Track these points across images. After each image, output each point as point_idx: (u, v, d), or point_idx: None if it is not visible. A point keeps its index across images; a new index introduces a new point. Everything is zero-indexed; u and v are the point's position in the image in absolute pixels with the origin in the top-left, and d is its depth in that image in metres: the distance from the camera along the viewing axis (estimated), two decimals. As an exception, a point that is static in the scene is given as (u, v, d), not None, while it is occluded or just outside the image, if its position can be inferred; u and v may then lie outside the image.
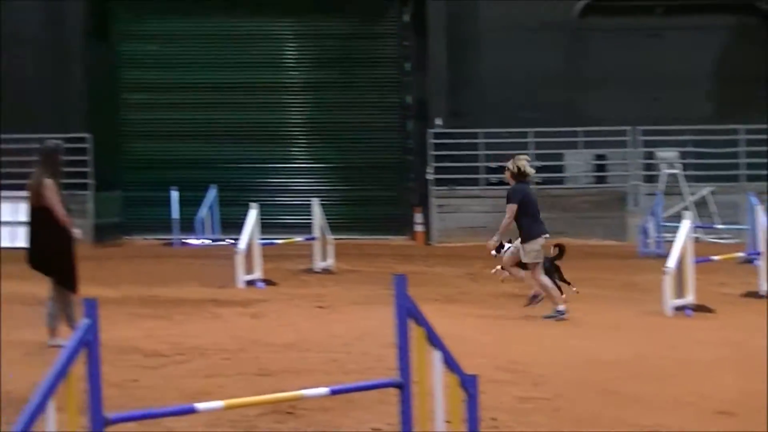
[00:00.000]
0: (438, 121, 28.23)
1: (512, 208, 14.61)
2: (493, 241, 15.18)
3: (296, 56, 29.78)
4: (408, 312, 6.97)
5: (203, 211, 27.02)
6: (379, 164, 29.24)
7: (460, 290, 18.01)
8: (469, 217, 27.37)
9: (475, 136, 27.97)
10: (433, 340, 7.09)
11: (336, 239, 21.28)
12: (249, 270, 18.32)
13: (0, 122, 28.39)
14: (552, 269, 15.34)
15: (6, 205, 27.20)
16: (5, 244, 26.37)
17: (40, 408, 5.89)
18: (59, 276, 12.80)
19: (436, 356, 7.11)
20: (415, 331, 7.05)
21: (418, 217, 27.90)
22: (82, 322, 6.15)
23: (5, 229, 26.93)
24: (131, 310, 15.52)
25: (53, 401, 5.95)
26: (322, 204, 21.37)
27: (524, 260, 14.71)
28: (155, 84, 29.41)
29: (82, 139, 27.50)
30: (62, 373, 5.97)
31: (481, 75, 28.61)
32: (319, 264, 20.37)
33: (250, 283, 18.16)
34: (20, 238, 26.33)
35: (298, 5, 29.37)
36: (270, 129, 29.47)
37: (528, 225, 14.68)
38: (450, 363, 7.13)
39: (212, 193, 27.21)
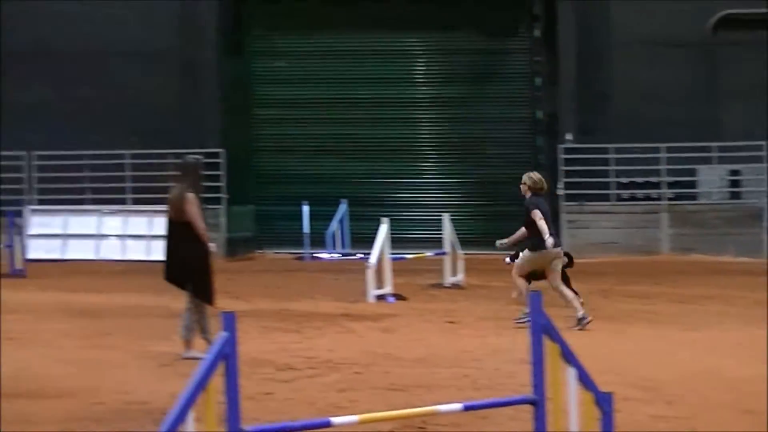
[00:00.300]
0: (568, 137, 28.06)
1: (537, 213, 15.30)
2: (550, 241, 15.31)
3: (426, 71, 29.86)
4: (543, 328, 6.94)
5: (334, 226, 27.22)
6: (509, 179, 29.00)
7: (590, 306, 17.78)
8: (599, 233, 27.14)
9: (605, 151, 27.71)
10: (568, 356, 7.06)
11: (466, 254, 21.24)
12: (379, 284, 18.40)
13: (136, 138, 29.06)
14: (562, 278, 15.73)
15: (140, 219, 27.77)
16: (140, 257, 26.94)
17: (180, 419, 5.99)
18: (197, 289, 12.97)
19: (571, 373, 7.07)
20: (550, 348, 7.01)
21: (548, 233, 27.70)
22: (220, 335, 6.25)
23: (139, 243, 27.48)
24: (263, 323, 15.69)
25: (192, 412, 6.05)
26: (453, 219, 21.36)
27: (525, 268, 15.43)
28: (287, 100, 29.76)
29: (215, 154, 27.95)
30: (201, 385, 6.07)
31: (612, 90, 28.35)
32: (449, 279, 20.36)
33: (381, 297, 18.24)
34: (155, 252, 27.05)
35: (428, 21, 29.45)
36: (400, 144, 29.58)
37: (538, 236, 15.26)
38: (585, 380, 7.08)
39: (343, 208, 27.41)
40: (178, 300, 18.13)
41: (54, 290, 20.50)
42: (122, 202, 28.50)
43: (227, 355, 6.17)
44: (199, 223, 12.83)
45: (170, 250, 13.12)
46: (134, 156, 28.82)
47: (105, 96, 29.23)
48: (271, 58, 30.05)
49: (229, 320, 6.20)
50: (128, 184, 28.76)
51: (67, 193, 28.65)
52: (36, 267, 24.34)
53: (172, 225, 13.01)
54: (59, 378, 11.65)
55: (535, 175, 15.94)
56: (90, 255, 27.54)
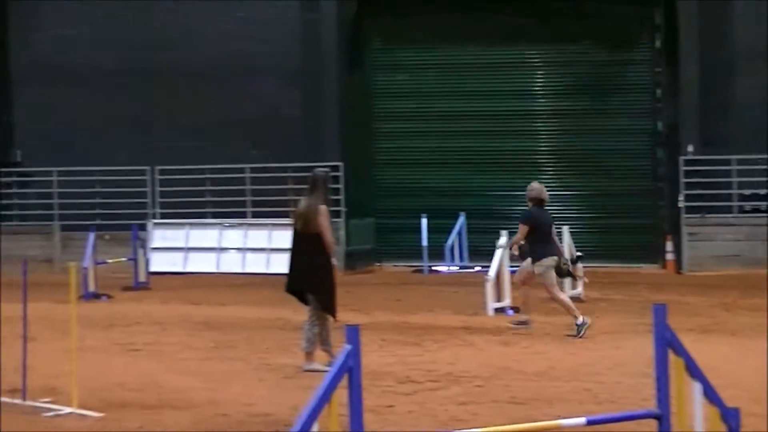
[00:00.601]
0: (690, 148, 27.68)
1: (523, 228, 16.00)
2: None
3: (546, 83, 29.70)
4: (667, 342, 6.85)
5: (452, 239, 27.21)
6: (629, 191, 28.85)
7: (714, 320, 17.57)
8: (721, 245, 26.71)
9: (727, 162, 27.27)
10: (693, 370, 6.95)
11: (585, 267, 21.07)
12: (499, 297, 18.35)
13: (256, 151, 29.40)
14: (565, 271, 16.58)
15: (260, 232, 28.07)
16: (259, 270, 27.23)
17: (304, 431, 6.03)
18: (321, 301, 13.03)
19: (696, 387, 6.96)
20: (674, 362, 6.92)
21: (669, 246, 27.38)
22: (344, 347, 6.29)
23: (259, 256, 27.78)
24: (383, 336, 15.74)
25: (317, 424, 6.09)
26: (572, 231, 21.21)
27: (551, 276, 16.01)
28: (407, 113, 29.84)
29: (335, 167, 28.14)
30: (326, 398, 6.11)
31: (734, 100, 27.90)
32: (568, 292, 20.19)
33: (500, 310, 18.19)
34: (274, 265, 27.33)
35: (548, 33, 29.31)
36: (519, 157, 29.46)
37: (539, 247, 15.95)
38: (710, 394, 6.97)
39: (461, 221, 27.39)
40: (299, 313, 18.30)
41: (176, 302, 20.82)
42: (242, 215, 28.84)
43: (351, 368, 6.19)
44: (329, 236, 12.95)
45: (296, 262, 13.24)
46: (254, 170, 29.15)
47: (226, 110, 29.64)
48: (392, 72, 30.17)
49: (353, 333, 6.23)
50: (248, 198, 29.09)
51: (189, 206, 29.09)
52: (159, 279, 24.76)
53: (300, 237, 13.09)
54: (183, 390, 11.82)
55: (536, 185, 16.55)
56: (211, 268, 27.92)
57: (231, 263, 27.99)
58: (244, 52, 29.63)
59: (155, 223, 28.82)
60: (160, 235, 28.55)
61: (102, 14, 30.82)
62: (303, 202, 13.16)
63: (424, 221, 27.15)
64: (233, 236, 28.31)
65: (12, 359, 13.12)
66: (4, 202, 31.07)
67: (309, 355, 12.99)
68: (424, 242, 27.03)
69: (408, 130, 29.87)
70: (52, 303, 19.77)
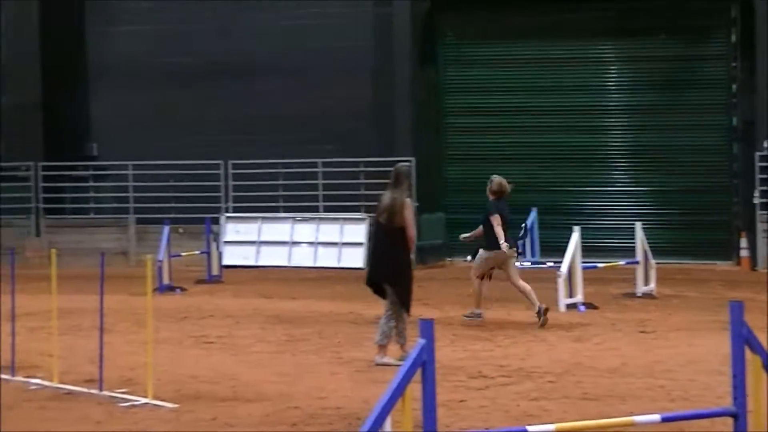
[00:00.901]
0: (765, 144, 27.33)
1: (497, 218, 16.53)
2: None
3: (619, 79, 29.47)
4: (744, 339, 6.79)
5: (523, 234, 27.08)
6: (703, 187, 28.55)
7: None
8: (797, 242, 26.39)
9: (804, 158, 26.93)
10: (770, 369, 6.89)
11: (659, 263, 20.92)
12: (571, 293, 18.28)
13: (329, 146, 29.50)
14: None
15: (331, 227, 28.17)
16: (331, 264, 27.35)
17: (378, 424, 6.05)
18: (400, 295, 13.07)
19: (773, 386, 6.90)
20: (751, 359, 6.86)
21: (744, 242, 27.08)
22: (418, 342, 6.30)
23: (331, 250, 27.88)
24: (454, 331, 15.76)
25: (391, 418, 6.11)
26: (645, 228, 21.05)
27: (482, 267, 16.87)
28: (478, 108, 29.77)
29: (406, 162, 28.12)
30: (399, 391, 6.13)
31: (812, 95, 27.52)
32: (641, 288, 20.07)
33: (572, 306, 18.11)
34: (346, 259, 27.44)
35: (622, 27, 29.08)
36: (591, 152, 29.27)
37: (493, 238, 16.59)
38: (787, 393, 6.91)
39: (533, 216, 27.26)
40: (370, 307, 18.40)
41: (249, 296, 20.98)
42: (315, 209, 28.94)
43: (425, 362, 6.21)
44: (411, 230, 13.04)
45: (378, 255, 13.32)
46: (326, 164, 29.25)
47: (299, 105, 29.78)
48: (464, 67, 30.10)
49: (427, 327, 6.25)
50: (320, 192, 29.20)
51: (262, 200, 29.26)
52: (231, 273, 24.97)
53: (383, 230, 13.16)
54: (255, 382, 11.91)
55: (498, 179, 17.05)
56: (283, 262, 28.07)
57: (303, 257, 28.11)
58: (317, 47, 29.76)
59: (228, 217, 29.03)
60: (232, 229, 28.76)
61: (176, 11, 31.13)
62: (386, 195, 13.22)
63: (495, 217, 27.03)
64: (305, 230, 28.43)
65: (89, 350, 13.32)
66: (81, 195, 31.50)
67: (382, 348, 13.02)
68: (496, 237, 26.89)
69: (479, 126, 29.80)
70: (128, 295, 20.05)
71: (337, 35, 29.65)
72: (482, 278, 17.09)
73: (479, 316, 16.91)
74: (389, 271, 13.08)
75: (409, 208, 13.06)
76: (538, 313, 16.33)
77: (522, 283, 16.91)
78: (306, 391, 11.35)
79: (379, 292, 13.32)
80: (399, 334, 13.05)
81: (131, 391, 11.22)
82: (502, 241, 16.54)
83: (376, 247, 13.38)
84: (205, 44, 30.67)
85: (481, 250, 17.07)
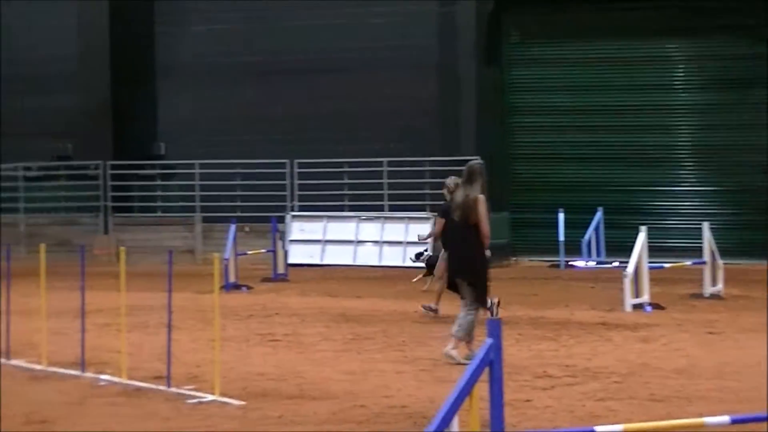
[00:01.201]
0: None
1: (440, 221, 16.58)
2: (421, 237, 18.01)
3: (686, 78, 29.25)
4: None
5: (589, 234, 26.98)
6: (771, 187, 28.28)
7: None
8: None
9: None
10: (841, 371, 6.81)
11: (726, 264, 20.72)
12: (637, 294, 18.17)
13: (393, 145, 29.54)
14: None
15: (396, 225, 28.19)
16: (396, 263, 27.36)
17: (445, 423, 6.06)
18: (477, 292, 13.14)
19: (844, 389, 6.82)
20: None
21: (813, 242, 26.78)
22: (486, 341, 6.30)
23: (396, 249, 27.90)
24: (520, 330, 15.73)
25: (458, 417, 6.11)
26: (712, 227, 20.86)
27: (439, 263, 17.15)
28: (544, 107, 29.69)
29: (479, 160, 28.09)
30: (467, 390, 6.13)
31: None
32: (708, 289, 19.90)
33: (638, 306, 18.00)
34: (408, 258, 27.41)
35: (688, 26, 28.85)
36: (658, 151, 29.07)
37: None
38: None
39: (598, 216, 27.14)
40: (416, 305, 18.41)
41: (314, 294, 21.06)
42: (380, 208, 29.00)
43: (492, 362, 6.21)
44: (485, 226, 13.05)
45: (453, 252, 13.35)
46: (391, 163, 29.29)
47: (364, 104, 29.87)
48: (529, 66, 30.02)
49: (495, 327, 6.25)
50: (385, 191, 29.24)
51: (327, 199, 29.36)
52: (297, 271, 25.08)
53: (458, 227, 13.21)
54: (321, 380, 11.96)
55: (453, 180, 16.81)
56: (348, 260, 28.14)
57: (368, 256, 28.18)
58: (382, 46, 29.83)
59: (293, 216, 29.16)
60: (298, 228, 28.88)
61: (242, 11, 31.33)
62: (460, 193, 13.28)
63: (561, 216, 26.97)
64: (370, 229, 28.48)
65: (156, 347, 13.46)
66: (148, 194, 31.79)
67: (457, 342, 13.05)
68: (561, 237, 26.83)
69: (544, 125, 29.72)
70: (194, 293, 20.20)
71: (402, 34, 29.70)
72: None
73: (436, 311, 17.28)
74: (465, 267, 13.14)
75: (483, 204, 13.10)
76: (490, 306, 16.25)
77: (438, 284, 17.40)
78: (371, 390, 11.38)
79: (454, 288, 13.40)
80: (468, 333, 13.09)
81: (198, 388, 11.31)
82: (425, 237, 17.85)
83: (451, 244, 13.43)
84: (271, 43, 30.84)
85: (443, 251, 17.14)
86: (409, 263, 27.56)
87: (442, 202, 17.27)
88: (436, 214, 17.54)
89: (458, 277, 13.25)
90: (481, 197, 13.08)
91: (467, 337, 13.03)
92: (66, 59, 31.96)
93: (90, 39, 31.72)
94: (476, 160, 13.91)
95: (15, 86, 32.46)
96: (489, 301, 15.93)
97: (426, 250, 20.00)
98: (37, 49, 32.41)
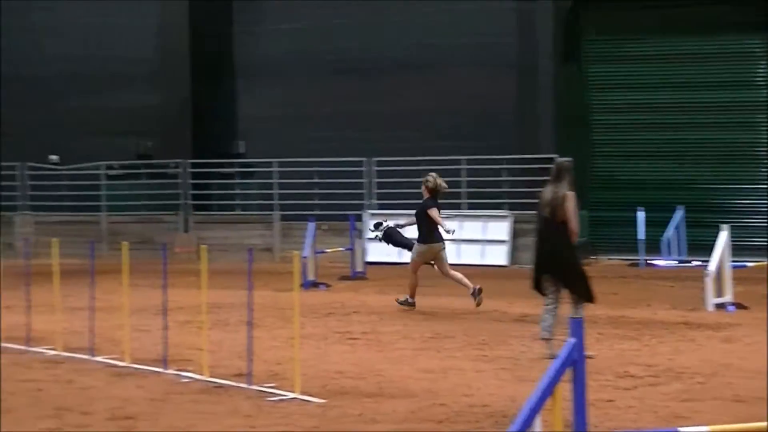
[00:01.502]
0: None
1: (435, 210, 18.00)
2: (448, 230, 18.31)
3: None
4: None
5: (669, 232, 26.73)
6: None
7: None
8: None
9: None
10: None
11: (806, 262, 20.41)
12: (719, 293, 17.96)
13: (471, 144, 29.48)
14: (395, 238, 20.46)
15: (474, 224, 28.12)
16: (474, 261, 27.29)
17: (527, 422, 6.03)
18: (577, 289, 13.19)
19: None
20: None
21: None
22: (568, 341, 6.27)
23: (474, 247, 27.84)
24: (600, 330, 15.61)
25: (540, 417, 6.08)
26: (795, 226, 20.57)
27: (417, 260, 18.33)
28: (624, 105, 29.47)
29: (549, 160, 27.95)
30: (549, 390, 6.10)
31: None
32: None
33: (720, 306, 17.79)
34: (489, 256, 27.37)
35: (769, 22, 28.52)
36: (739, 149, 28.73)
37: (426, 232, 18.14)
38: None
39: (679, 214, 26.87)
40: (513, 305, 18.40)
41: (392, 293, 21.03)
42: (457, 207, 28.94)
43: (575, 361, 6.18)
44: (574, 223, 13.09)
45: (543, 248, 13.33)
46: (470, 161, 29.23)
47: (442, 102, 29.85)
48: (609, 63, 29.81)
49: (577, 326, 6.21)
50: (463, 189, 29.18)
51: (405, 197, 29.33)
52: (375, 269, 25.10)
53: (548, 224, 13.21)
54: (400, 379, 11.96)
55: (433, 177, 18.33)
56: (426, 259, 28.08)
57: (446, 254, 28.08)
58: (460, 43, 29.79)
59: (372, 214, 29.18)
60: (376, 226, 28.89)
61: (320, 10, 31.45)
62: (548, 190, 13.29)
63: (641, 214, 26.73)
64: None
65: (236, 344, 13.55)
66: (228, 192, 32.03)
67: (547, 342, 13.06)
68: (641, 235, 26.60)
69: (625, 122, 29.50)
70: (273, 291, 20.30)
71: (480, 32, 29.64)
72: (416, 271, 18.41)
73: (413, 305, 18.27)
74: (556, 265, 13.16)
75: (572, 200, 13.14)
76: (473, 294, 17.89)
77: (453, 273, 18.49)
78: (451, 388, 11.36)
79: (539, 286, 13.38)
80: (548, 329, 13.14)
81: (279, 386, 11.36)
82: (447, 227, 18.17)
83: (541, 241, 13.41)
84: (349, 41, 30.92)
85: (416, 244, 18.39)
86: (488, 261, 27.55)
87: (437, 201, 18.30)
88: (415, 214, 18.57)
89: (547, 274, 13.25)
90: (570, 194, 13.14)
91: (550, 335, 13.06)
92: (147, 59, 32.32)
93: (170, 38, 32.04)
94: (564, 159, 13.95)
95: (97, 86, 32.89)
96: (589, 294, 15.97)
97: (386, 220, 21.27)
98: (118, 49, 32.82)
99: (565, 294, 13.32)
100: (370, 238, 23.23)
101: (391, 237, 20.81)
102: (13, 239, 30.85)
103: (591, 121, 29.95)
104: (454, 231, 18.40)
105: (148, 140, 32.48)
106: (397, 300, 18.56)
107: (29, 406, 10.69)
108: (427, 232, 18.16)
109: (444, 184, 18.46)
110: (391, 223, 20.83)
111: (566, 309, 13.39)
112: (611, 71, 29.80)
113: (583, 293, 13.21)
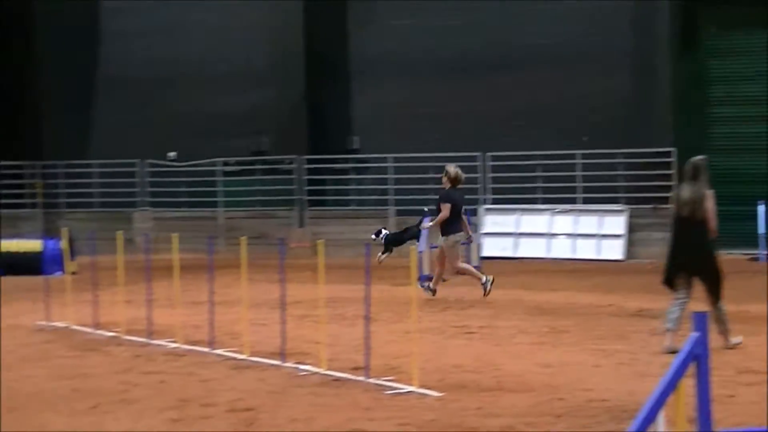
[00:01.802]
0: None
1: (447, 206, 18.21)
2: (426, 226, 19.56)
3: None
4: None
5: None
6: None
7: None
8: None
9: None
10: None
11: None
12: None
13: (587, 138, 29.27)
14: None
15: (590, 218, 27.96)
16: (589, 256, 27.13)
17: (650, 418, 5.97)
18: (710, 285, 13.33)
19: None
20: None
21: None
22: (691, 335, 6.19)
23: (589, 242, 27.68)
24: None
25: (663, 412, 6.02)
26: None
27: (455, 252, 18.64)
28: (744, 98, 29.00)
29: (667, 154, 27.68)
30: (672, 385, 6.03)
31: None
32: None
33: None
34: (605, 251, 27.17)
35: None
36: None
37: (449, 224, 18.27)
38: None
39: (783, 208, 26.41)
40: (630, 299, 18.21)
41: (508, 287, 21.01)
42: (572, 201, 28.79)
43: (698, 356, 6.09)
44: (713, 221, 13.23)
45: (681, 248, 13.29)
46: (585, 156, 29.03)
47: (558, 96, 29.70)
48: (728, 56, 29.36)
49: (701, 321, 6.13)
50: (579, 184, 29.00)
51: (520, 192, 29.28)
52: (490, 264, 25.04)
53: (686, 223, 13.24)
54: (519, 373, 11.93)
55: (452, 169, 18.53)
56: (541, 253, 28.05)
57: (561, 249, 28.02)
58: (576, 38, 29.61)
59: (486, 209, 29.17)
60: (491, 221, 28.90)
61: (432, 6, 31.47)
62: (685, 189, 13.34)
63: (761, 208, 26.30)
64: (563, 222, 28.31)
65: (353, 338, 13.64)
66: (342, 187, 32.24)
67: (671, 334, 13.05)
68: (761, 230, 26.18)
69: (742, 116, 29.04)
70: (389, 285, 20.39)
71: (597, 27, 29.42)
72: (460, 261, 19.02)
73: (434, 292, 18.78)
74: (696, 263, 13.23)
75: (712, 199, 13.22)
76: (484, 284, 18.59)
77: (462, 265, 18.94)
78: (569, 383, 11.30)
79: (670, 283, 13.34)
80: (675, 322, 13.08)
81: (396, 379, 11.40)
82: (429, 225, 19.26)
83: (678, 240, 13.36)
84: (461, 38, 30.90)
85: (442, 238, 18.62)
86: (604, 256, 27.36)
87: (440, 190, 18.83)
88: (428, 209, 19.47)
89: (686, 271, 13.28)
90: (710, 193, 13.23)
91: (723, 327, 13.06)
92: (263, 57, 32.66)
93: (285, 37, 32.34)
94: (699, 158, 13.91)
95: (215, 85, 33.30)
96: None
97: (384, 228, 22.99)
98: (235, 49, 33.17)
99: (684, 288, 13.21)
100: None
101: (393, 240, 22.24)
102: (132, 235, 31.40)
103: (710, 114, 29.52)
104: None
105: (264, 137, 32.84)
106: (420, 285, 18.78)
107: (152, 397, 10.89)
108: (448, 223, 18.38)
109: (463, 176, 18.80)
110: (386, 231, 23.11)
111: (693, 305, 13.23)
112: (729, 65, 29.35)
113: (715, 291, 13.31)
